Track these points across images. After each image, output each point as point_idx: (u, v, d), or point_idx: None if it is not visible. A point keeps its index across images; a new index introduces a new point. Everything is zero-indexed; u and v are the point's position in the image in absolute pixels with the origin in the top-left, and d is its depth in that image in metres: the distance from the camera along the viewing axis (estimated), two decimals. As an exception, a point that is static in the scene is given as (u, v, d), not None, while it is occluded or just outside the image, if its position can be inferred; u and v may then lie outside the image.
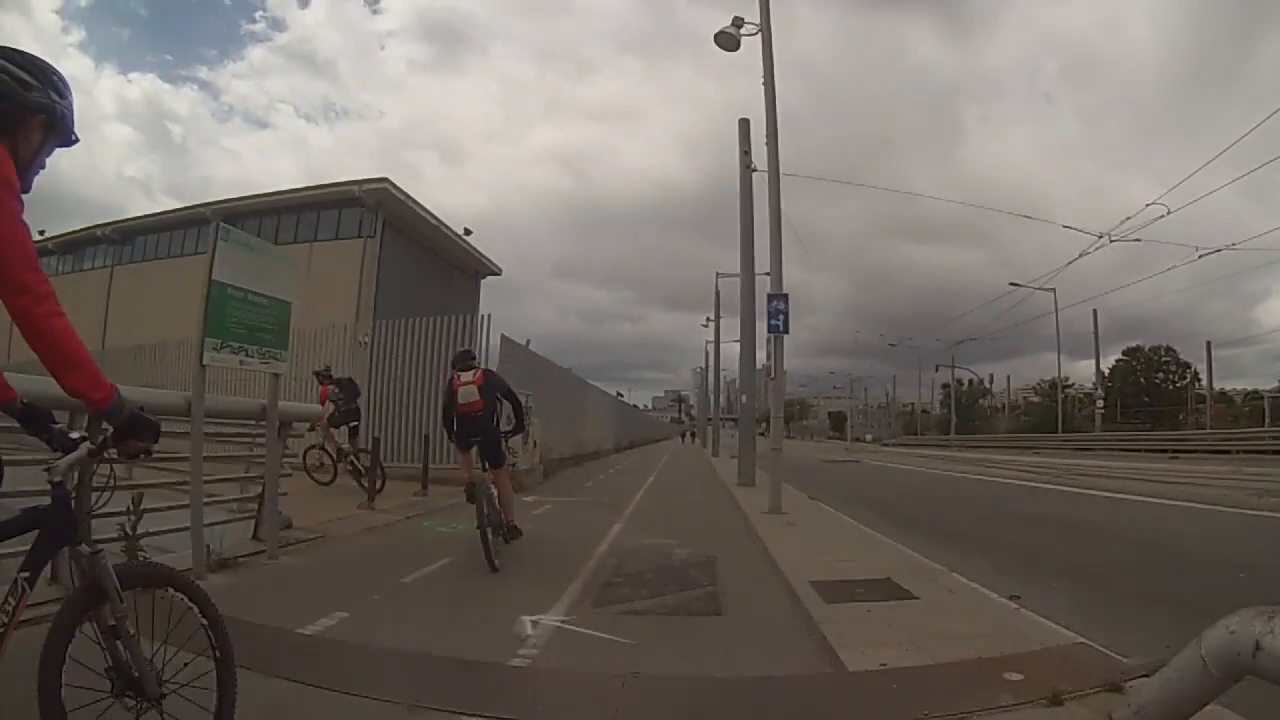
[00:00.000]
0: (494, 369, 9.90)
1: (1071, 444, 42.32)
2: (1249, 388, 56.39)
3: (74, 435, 2.18)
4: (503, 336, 15.24)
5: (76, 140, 2.15)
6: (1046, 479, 19.15)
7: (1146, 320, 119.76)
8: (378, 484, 11.00)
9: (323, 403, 12.35)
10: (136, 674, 2.19)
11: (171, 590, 2.40)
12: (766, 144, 12.42)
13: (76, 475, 2.63)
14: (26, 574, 2.00)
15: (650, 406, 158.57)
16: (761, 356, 16.37)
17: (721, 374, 50.51)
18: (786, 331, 12.01)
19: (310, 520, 8.54)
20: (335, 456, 12.35)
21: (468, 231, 33.59)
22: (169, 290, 27.61)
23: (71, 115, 2.12)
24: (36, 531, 2.05)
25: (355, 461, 12.16)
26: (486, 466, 7.54)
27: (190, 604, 2.42)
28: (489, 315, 14.97)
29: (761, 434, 19.87)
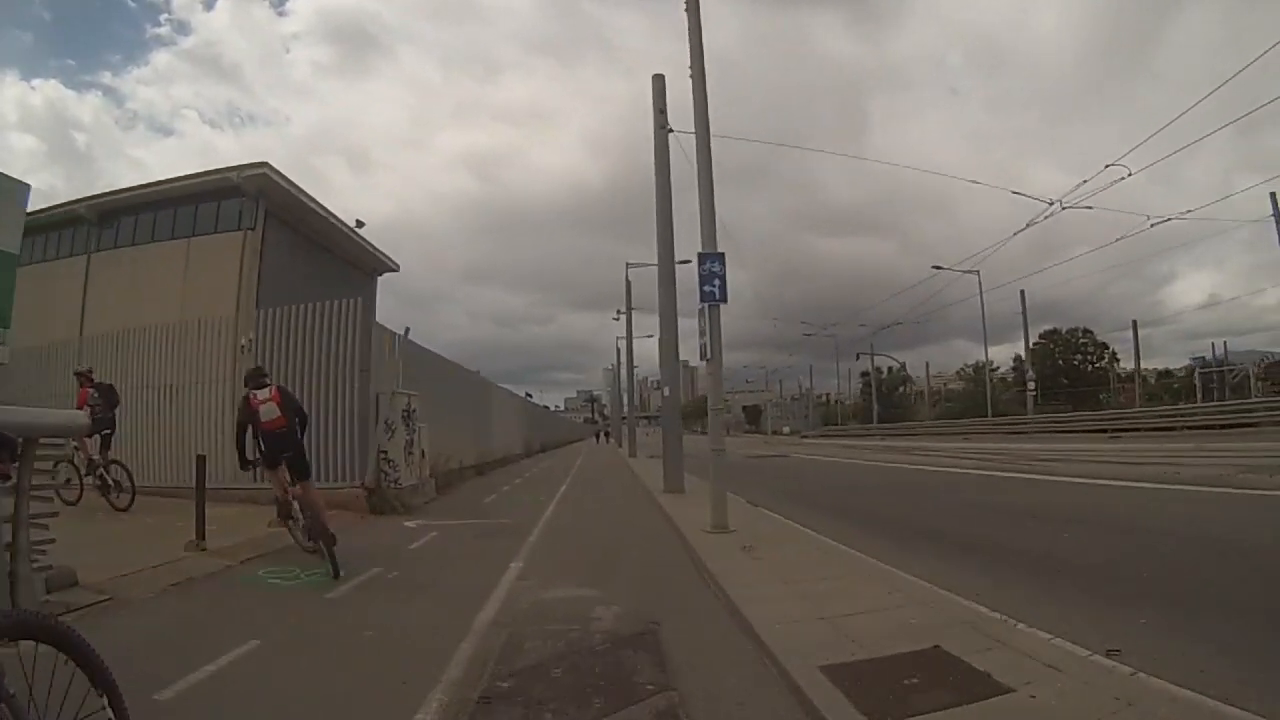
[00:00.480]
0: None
1: (1003, 428, 41.45)
2: (1162, 367, 57.71)
3: None
4: (375, 323, 12.40)
5: None
6: (999, 466, 17.37)
7: (1058, 305, 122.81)
8: (127, 501, 10.79)
9: (80, 406, 10.86)
10: None
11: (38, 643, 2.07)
12: (691, 74, 10.04)
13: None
14: None
15: (563, 408, 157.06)
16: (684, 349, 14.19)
17: (635, 370, 48.68)
18: (724, 300, 9.55)
19: (113, 568, 6.43)
20: (84, 470, 11.02)
21: (360, 224, 30.36)
22: (44, 295, 25.02)
23: None
24: None
25: (105, 475, 11.03)
26: (295, 481, 7.56)
27: (64, 657, 2.12)
28: (358, 301, 12.13)
29: (695, 432, 17.44)
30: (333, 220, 27.57)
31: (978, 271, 44.03)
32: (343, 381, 11.84)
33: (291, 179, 24.54)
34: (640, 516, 11.25)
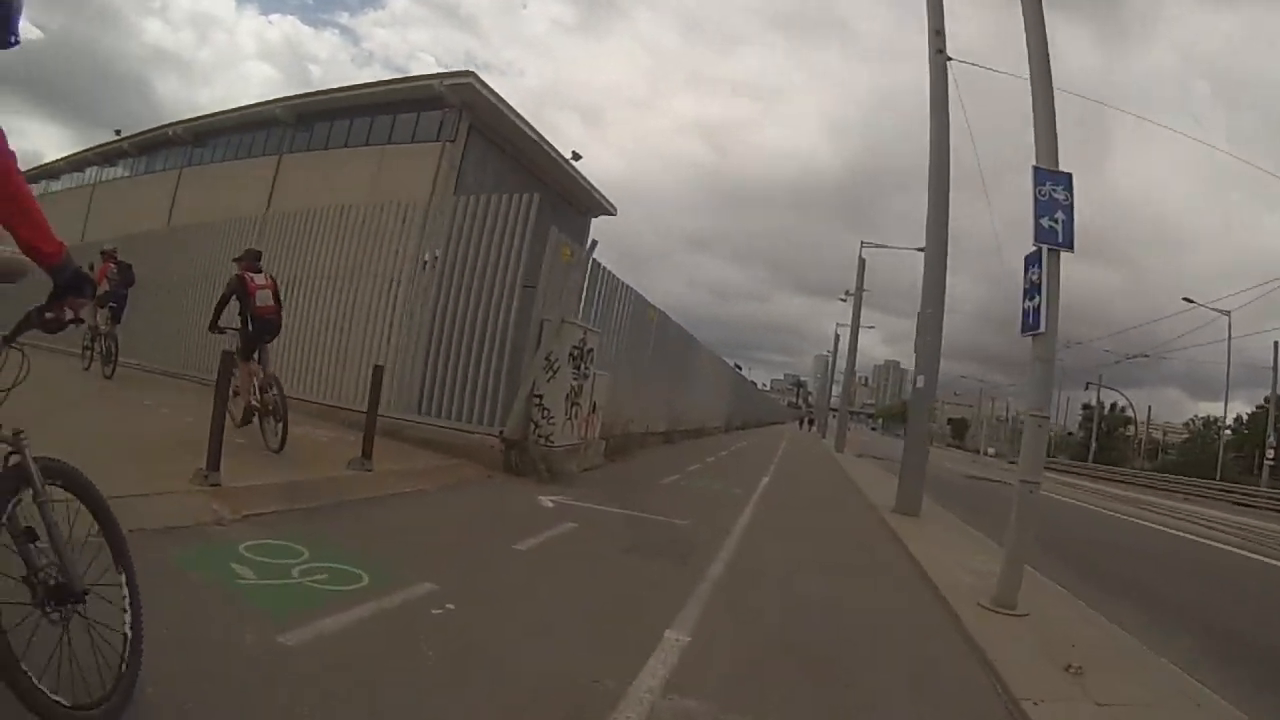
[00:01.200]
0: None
1: (1232, 495, 33.38)
2: None
3: None
4: (552, 230, 9.39)
5: (16, 43, 2.02)
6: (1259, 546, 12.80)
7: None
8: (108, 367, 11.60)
9: (100, 279, 11.66)
10: (58, 576, 2.07)
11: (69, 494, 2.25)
12: None
13: None
14: None
15: (769, 387, 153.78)
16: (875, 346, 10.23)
17: (833, 363, 44.51)
18: (1068, 246, 5.74)
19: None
20: (87, 338, 12.22)
21: (576, 156, 28.30)
22: (233, 191, 25.19)
23: (18, 18, 2.01)
24: None
25: (104, 343, 11.92)
26: (261, 359, 7.80)
27: (83, 507, 2.29)
28: (533, 196, 9.23)
29: (897, 436, 13.25)
30: (544, 146, 25.65)
31: (1229, 313, 38.18)
32: (500, 295, 9.07)
33: (502, 95, 22.88)
34: (872, 554, 7.57)
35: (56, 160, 40.05)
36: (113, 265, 12.32)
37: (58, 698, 1.96)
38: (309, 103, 26.07)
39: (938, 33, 10.59)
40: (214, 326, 7.72)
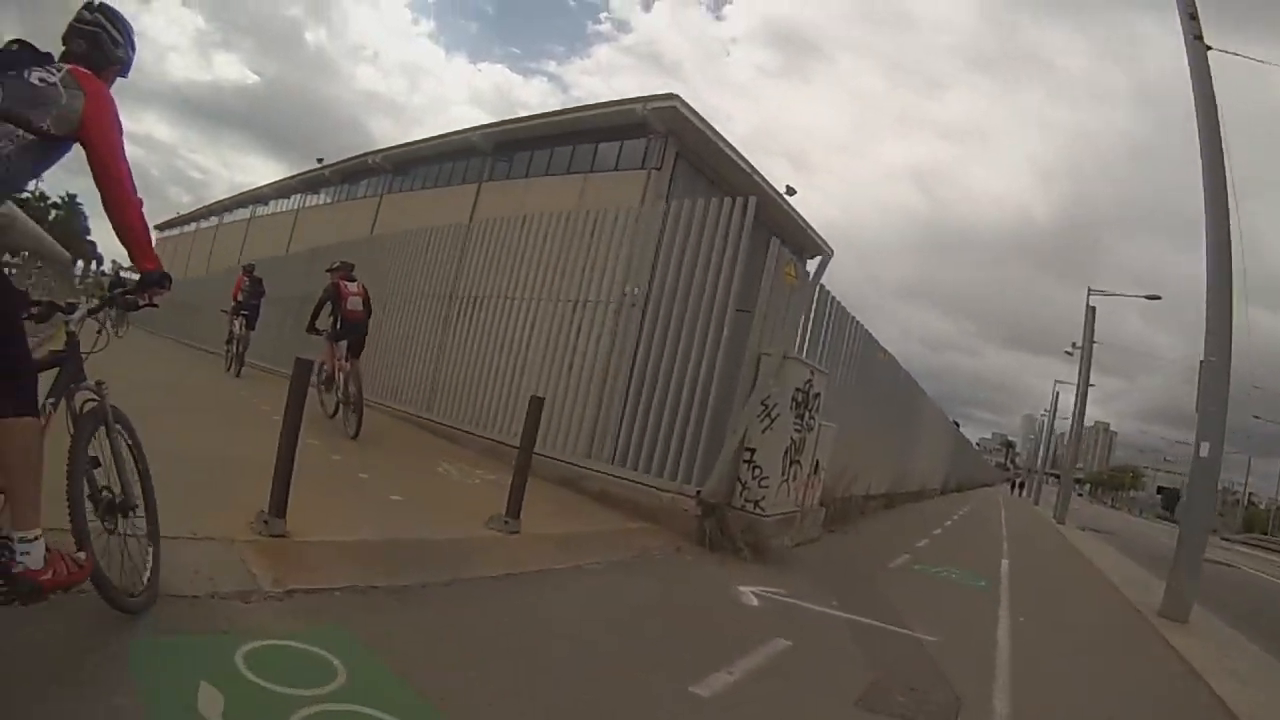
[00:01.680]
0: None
1: None
2: None
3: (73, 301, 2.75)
4: (774, 241, 7.63)
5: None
6: None
7: None
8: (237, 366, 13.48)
9: (236, 293, 14.04)
10: (117, 495, 2.78)
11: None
12: None
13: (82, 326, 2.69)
14: (53, 399, 2.51)
15: (979, 446, 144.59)
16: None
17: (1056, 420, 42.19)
18: None
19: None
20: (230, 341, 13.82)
21: (790, 191, 26.46)
22: (432, 218, 25.53)
23: (131, 64, 2.76)
24: (57, 369, 2.57)
25: (237, 346, 13.54)
26: (348, 358, 8.64)
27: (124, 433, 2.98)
28: (747, 200, 7.56)
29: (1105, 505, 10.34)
30: (756, 178, 23.74)
31: None
32: (707, 320, 7.41)
33: (708, 120, 21.40)
34: (1171, 688, 5.14)
35: (263, 186, 43.37)
36: (247, 280, 14.27)
37: (121, 591, 2.67)
38: (507, 131, 26.08)
39: (1191, 17, 8.92)
40: (311, 328, 8.99)
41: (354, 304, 8.80)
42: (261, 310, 14.17)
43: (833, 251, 30.15)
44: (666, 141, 20.75)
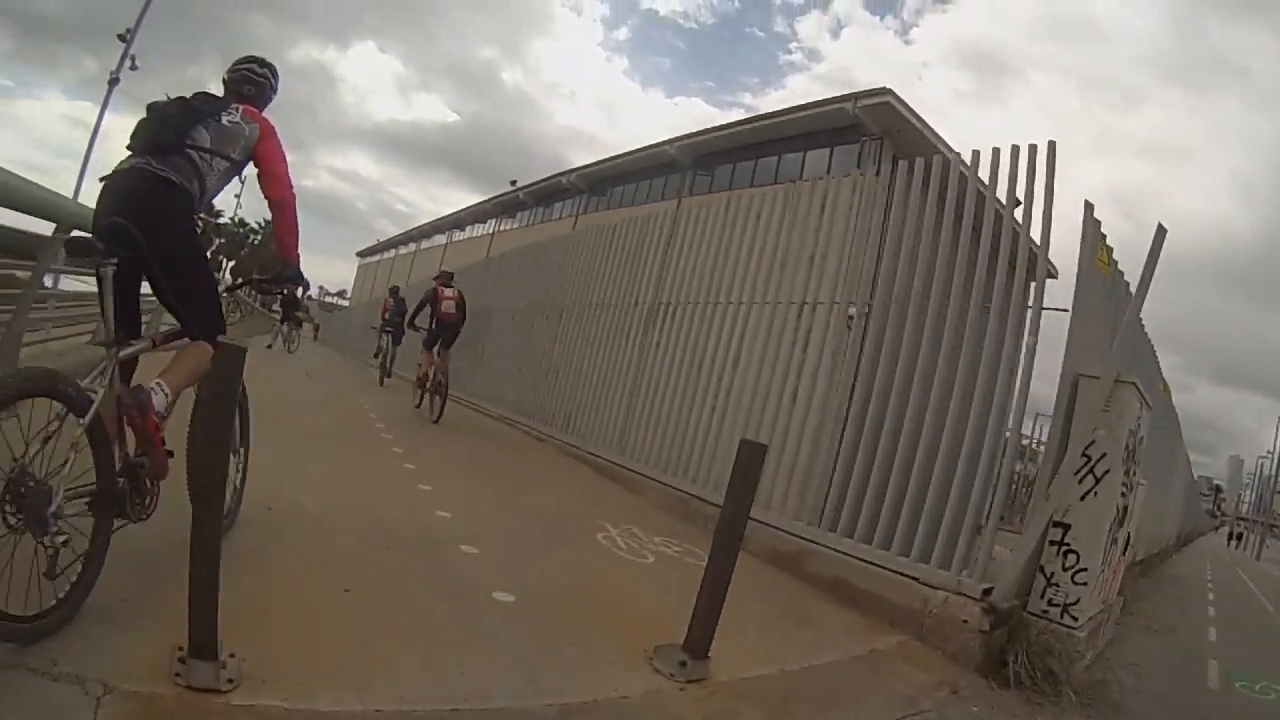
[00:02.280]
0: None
1: None
2: None
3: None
4: (1090, 219, 4.99)
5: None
6: None
7: None
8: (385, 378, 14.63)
9: (383, 313, 15.59)
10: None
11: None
12: None
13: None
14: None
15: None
16: None
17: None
18: None
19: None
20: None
21: (1017, 203, 22.93)
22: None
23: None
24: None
25: (386, 360, 14.99)
26: (440, 353, 10.07)
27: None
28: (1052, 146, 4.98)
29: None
30: (979, 188, 20.10)
31: None
32: (976, 322, 4.98)
33: (925, 119, 18.34)
34: None
35: (459, 211, 43.40)
36: (392, 300, 15.47)
37: None
38: (706, 141, 24.15)
39: None
40: (411, 324, 11.01)
41: (448, 307, 10.22)
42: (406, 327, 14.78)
43: (1058, 273, 26.48)
44: (882, 144, 18.13)
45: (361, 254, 65.50)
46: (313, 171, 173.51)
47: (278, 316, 17.21)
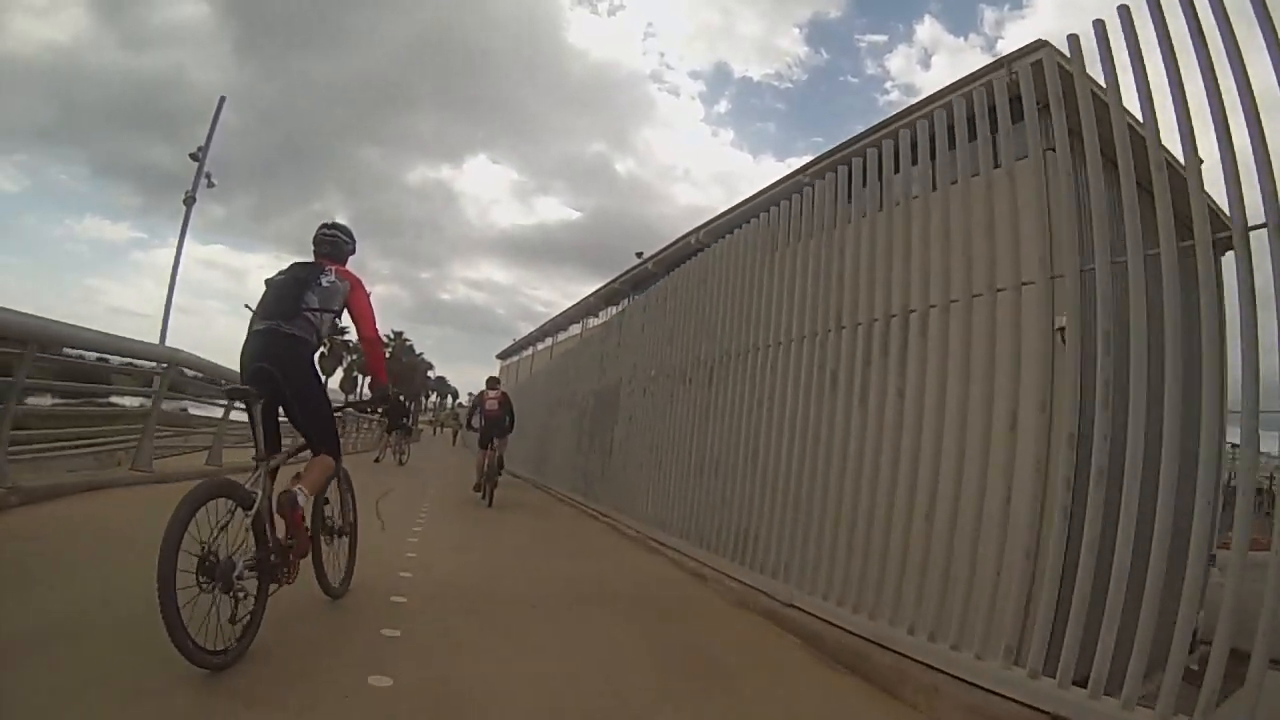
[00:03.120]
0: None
1: None
2: None
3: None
4: None
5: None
6: None
7: None
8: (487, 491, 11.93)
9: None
10: (336, 522, 4.50)
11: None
12: None
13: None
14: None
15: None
16: None
17: None
18: None
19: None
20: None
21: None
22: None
23: (356, 248, 4.52)
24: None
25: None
26: (494, 444, 11.61)
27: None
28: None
29: None
30: (1160, 149, 15.19)
31: None
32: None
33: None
34: None
35: (588, 296, 42.27)
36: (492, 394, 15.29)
37: (329, 581, 4.22)
38: (840, 159, 22.17)
39: None
40: (469, 424, 14.01)
41: (491, 405, 12.02)
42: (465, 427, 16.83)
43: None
44: (1051, 114, 14.19)
45: (501, 356, 66.69)
46: (449, 285, 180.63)
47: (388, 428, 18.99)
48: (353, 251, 4.40)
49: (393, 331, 77.42)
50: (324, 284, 3.95)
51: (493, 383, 12.59)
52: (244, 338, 3.83)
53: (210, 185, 23.15)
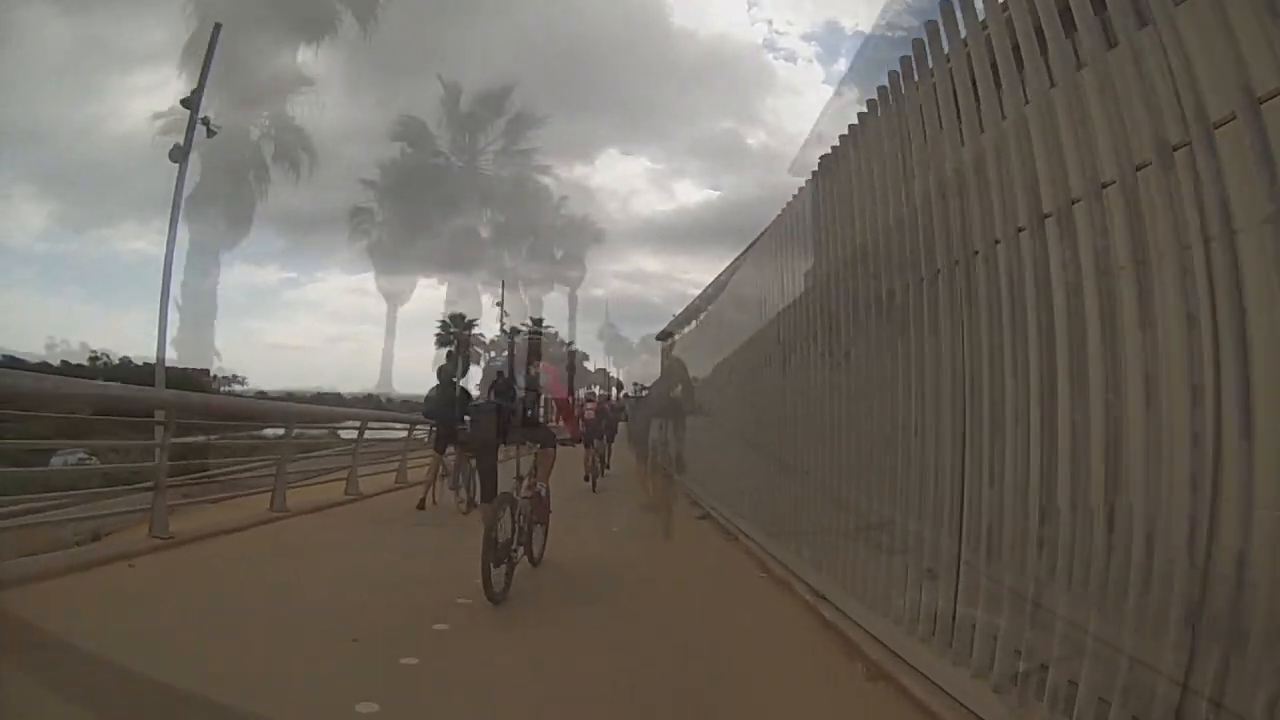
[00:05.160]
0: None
1: None
2: None
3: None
4: None
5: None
6: None
7: None
8: None
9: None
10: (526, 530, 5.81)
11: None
12: None
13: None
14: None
15: None
16: None
17: None
18: None
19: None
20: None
21: None
22: None
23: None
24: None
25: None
26: (594, 444, 13.00)
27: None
28: None
29: None
30: None
31: None
32: None
33: None
34: None
35: (734, 260, 41.16)
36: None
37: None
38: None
39: None
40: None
41: (589, 414, 13.41)
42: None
43: None
44: None
45: (659, 337, 66.22)
46: (602, 280, 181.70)
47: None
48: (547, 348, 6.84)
49: (531, 319, 75.83)
50: (531, 373, 5.77)
51: (590, 396, 14.38)
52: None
53: (211, 134, 18.98)
